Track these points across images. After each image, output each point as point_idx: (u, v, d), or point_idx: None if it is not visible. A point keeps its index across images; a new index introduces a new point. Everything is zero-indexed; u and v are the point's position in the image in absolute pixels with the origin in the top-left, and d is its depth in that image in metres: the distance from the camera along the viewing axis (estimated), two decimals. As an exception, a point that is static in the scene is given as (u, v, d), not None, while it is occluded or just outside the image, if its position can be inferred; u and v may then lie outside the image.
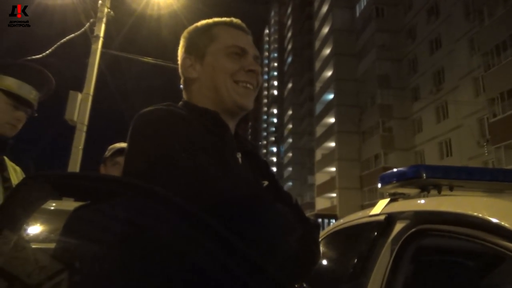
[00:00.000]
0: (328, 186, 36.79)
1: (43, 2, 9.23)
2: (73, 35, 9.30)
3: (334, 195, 35.57)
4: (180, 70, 0.99)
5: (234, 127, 0.95)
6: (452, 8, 23.74)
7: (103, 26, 9.84)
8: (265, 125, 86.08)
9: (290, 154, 57.00)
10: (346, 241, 1.81)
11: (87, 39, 9.71)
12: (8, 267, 1.06)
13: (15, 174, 1.59)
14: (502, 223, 0.77)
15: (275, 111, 75.27)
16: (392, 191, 1.47)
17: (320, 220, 35.11)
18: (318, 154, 40.65)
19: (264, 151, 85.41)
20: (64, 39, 9.14)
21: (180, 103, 0.96)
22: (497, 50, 19.09)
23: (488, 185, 1.29)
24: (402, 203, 1.36)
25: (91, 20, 9.64)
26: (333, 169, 35.58)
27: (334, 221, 32.60)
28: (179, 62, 1.00)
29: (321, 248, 2.01)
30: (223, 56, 0.93)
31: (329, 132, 37.22)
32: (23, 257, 1.19)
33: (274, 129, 76.47)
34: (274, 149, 75.03)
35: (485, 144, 20.09)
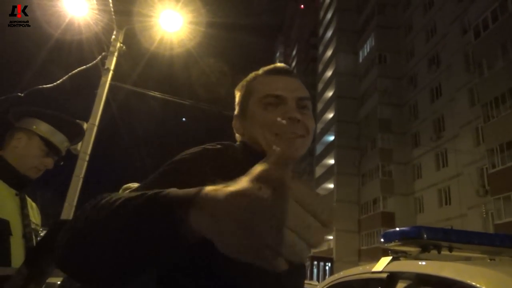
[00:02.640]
0: (325, 227, 36.25)
1: (61, 38, 9.63)
2: (84, 67, 9.56)
3: (331, 237, 35.03)
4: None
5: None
6: (452, 59, 24.44)
7: (114, 60, 10.12)
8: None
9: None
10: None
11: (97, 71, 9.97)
12: None
13: (32, 210, 1.65)
14: None
15: (275, 148, 75.50)
16: (394, 249, 1.53)
17: (316, 263, 34.44)
18: (317, 195, 40.37)
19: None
20: (76, 70, 9.39)
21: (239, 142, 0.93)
22: (496, 102, 19.47)
23: (485, 248, 1.35)
24: (404, 263, 1.41)
25: (103, 53, 9.93)
26: (331, 210, 35.24)
27: (329, 264, 31.91)
28: None
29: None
30: (258, 109, 0.87)
31: (329, 173, 37.22)
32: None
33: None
34: (273, 187, 74.60)
35: (484, 194, 20.08)
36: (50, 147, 1.55)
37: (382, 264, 1.47)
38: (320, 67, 44.88)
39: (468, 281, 0.95)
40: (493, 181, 18.97)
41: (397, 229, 1.52)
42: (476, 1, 21.58)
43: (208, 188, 0.49)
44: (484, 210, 20.13)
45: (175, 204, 0.51)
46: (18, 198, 1.50)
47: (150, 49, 10.69)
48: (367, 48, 35.87)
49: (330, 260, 32.19)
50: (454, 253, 1.41)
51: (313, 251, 37.49)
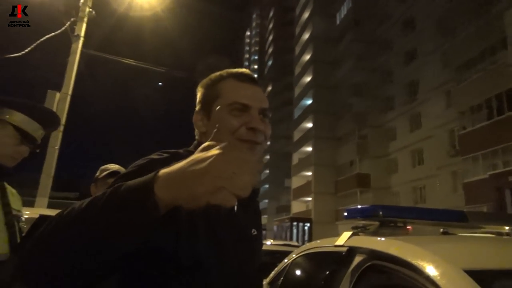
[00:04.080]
0: (304, 190, 37.26)
1: (22, 0, 9.12)
2: (53, 33, 9.18)
3: (309, 199, 36.07)
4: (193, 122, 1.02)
5: None
6: (426, 21, 24.58)
7: (84, 26, 9.73)
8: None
9: (267, 157, 57.32)
10: (313, 266, 2.01)
11: (67, 37, 9.59)
12: None
13: (12, 197, 1.71)
14: (421, 264, 1.00)
15: (253, 113, 75.39)
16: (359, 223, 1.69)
17: (295, 223, 35.52)
18: (295, 158, 41.12)
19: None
20: (44, 38, 9.01)
21: (194, 143, 1.01)
22: (467, 65, 19.91)
23: (435, 223, 1.52)
24: (362, 238, 1.57)
25: (72, 19, 9.52)
26: (309, 173, 36.11)
27: (308, 225, 33.04)
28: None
29: (291, 270, 2.22)
30: (225, 114, 0.93)
31: (306, 137, 37.74)
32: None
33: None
34: (252, 151, 75.02)
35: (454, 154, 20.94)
36: (24, 135, 1.58)
37: (344, 238, 1.63)
38: (297, 30, 44.33)
39: (407, 258, 1.10)
40: (463, 142, 19.74)
41: (358, 206, 1.66)
42: (451, -37, 21.52)
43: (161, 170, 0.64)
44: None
45: (141, 186, 0.63)
46: None
47: (120, 10, 10.31)
48: (343, 11, 35.53)
49: (309, 220, 33.31)
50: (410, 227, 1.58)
51: (293, 212, 38.57)
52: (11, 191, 1.70)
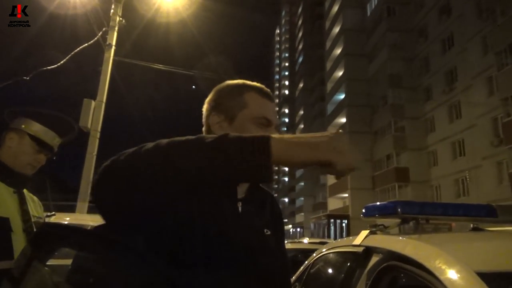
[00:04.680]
0: (340, 186, 36.70)
1: (55, 12, 9.51)
2: (86, 44, 9.49)
3: (346, 195, 35.49)
4: (204, 121, 1.08)
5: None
6: (464, 7, 23.49)
7: (115, 35, 9.99)
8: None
9: (302, 154, 56.83)
10: (331, 266, 1.94)
11: (97, 47, 9.89)
12: None
13: (33, 204, 1.76)
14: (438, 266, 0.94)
15: (286, 111, 75.28)
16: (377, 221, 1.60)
17: (332, 221, 35.08)
18: (330, 154, 40.52)
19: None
20: (78, 49, 9.34)
21: None
22: (510, 49, 18.85)
23: (463, 219, 1.41)
24: (379, 238, 1.48)
25: (104, 29, 9.81)
26: (345, 169, 35.47)
27: (346, 222, 32.53)
28: (205, 113, 1.08)
29: (312, 269, 2.16)
30: (251, 124, 1.01)
31: (341, 132, 37.10)
32: (44, 282, 1.37)
33: (285, 129, 76.42)
34: (286, 149, 74.77)
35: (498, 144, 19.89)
36: (41, 144, 1.63)
37: (361, 237, 1.56)
38: (327, 24, 43.67)
39: (421, 261, 1.02)
40: (507, 130, 18.71)
41: (378, 203, 1.58)
42: None
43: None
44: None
45: (258, 138, 0.74)
46: (16, 195, 1.60)
47: (147, 16, 10.51)
48: (374, 1, 34.61)
49: (347, 217, 32.80)
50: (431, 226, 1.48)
51: (330, 209, 38.14)
52: (31, 198, 1.76)
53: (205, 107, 1.09)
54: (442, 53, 26.27)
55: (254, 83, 1.09)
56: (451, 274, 0.89)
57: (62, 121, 1.73)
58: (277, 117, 1.09)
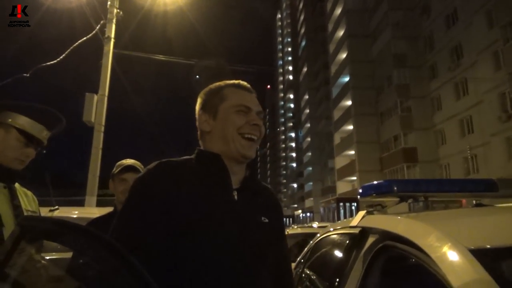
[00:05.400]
0: (348, 169, 36.64)
1: (51, 6, 9.44)
2: (85, 38, 9.44)
3: (354, 178, 35.43)
4: (197, 124, 1.21)
5: (240, 170, 1.15)
6: (467, -20, 22.96)
7: (113, 27, 9.90)
8: (282, 111, 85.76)
9: (308, 139, 56.78)
10: (331, 248, 1.91)
11: (95, 40, 9.80)
12: (23, 280, 1.22)
13: (26, 198, 1.74)
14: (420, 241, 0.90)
15: (291, 96, 74.86)
16: (374, 200, 1.56)
17: (341, 204, 35.10)
18: (337, 138, 40.43)
19: (283, 137, 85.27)
20: (77, 43, 9.29)
21: (196, 150, 1.19)
22: (516, 22, 18.44)
23: (460, 195, 1.36)
24: (375, 218, 1.45)
25: (102, 21, 9.72)
26: (352, 152, 35.37)
27: (355, 204, 32.53)
28: (197, 117, 1.21)
29: (313, 251, 2.14)
30: (232, 113, 1.13)
31: (347, 115, 36.89)
32: (38, 273, 1.34)
33: (291, 114, 76.13)
34: (293, 135, 74.82)
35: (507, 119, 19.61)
36: (28, 138, 1.59)
37: (358, 219, 1.52)
38: (329, 6, 43.05)
39: (413, 239, 0.98)
40: (515, 105, 18.42)
41: (374, 182, 1.54)
42: None
43: None
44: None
45: None
46: (6, 190, 1.58)
47: (145, 6, 10.39)
48: (375, -20, 33.97)
49: (356, 200, 32.79)
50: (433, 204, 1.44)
51: (339, 192, 38.16)
52: (24, 192, 1.74)
53: (196, 112, 1.22)
54: (446, 30, 25.79)
55: (233, 81, 1.22)
56: (443, 251, 0.86)
57: (49, 113, 1.69)
58: (258, 105, 1.19)
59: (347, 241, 1.51)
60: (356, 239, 1.41)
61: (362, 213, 1.54)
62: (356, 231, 1.45)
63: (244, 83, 1.22)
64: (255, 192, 1.16)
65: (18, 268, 1.00)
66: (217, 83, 1.22)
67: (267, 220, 1.11)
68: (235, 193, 1.09)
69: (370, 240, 1.32)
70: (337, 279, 1.39)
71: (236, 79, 1.25)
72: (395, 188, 1.37)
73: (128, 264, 0.77)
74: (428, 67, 28.08)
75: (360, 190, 1.61)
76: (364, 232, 1.39)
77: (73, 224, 0.91)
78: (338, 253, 1.58)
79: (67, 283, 1.00)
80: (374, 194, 1.49)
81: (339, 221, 2.02)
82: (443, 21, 26.07)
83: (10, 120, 1.58)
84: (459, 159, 24.56)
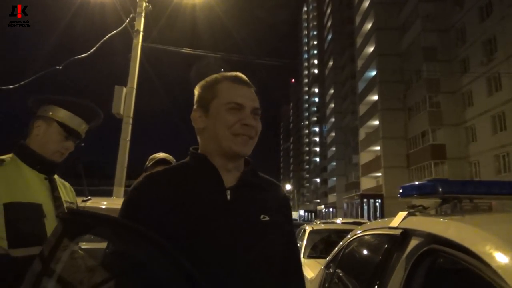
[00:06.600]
0: (373, 165, 36.06)
1: (84, 1, 9.65)
2: (115, 31, 9.61)
3: (379, 174, 34.86)
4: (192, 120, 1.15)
5: (237, 167, 1.10)
6: (504, -30, 22.01)
7: (142, 21, 10.03)
8: (306, 105, 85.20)
9: (333, 134, 56.24)
10: (367, 250, 1.86)
11: (124, 34, 9.95)
12: (65, 274, 1.25)
13: (64, 190, 1.78)
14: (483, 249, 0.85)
15: (316, 90, 74.21)
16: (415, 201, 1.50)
17: (365, 200, 34.64)
18: (362, 133, 39.83)
19: (307, 131, 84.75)
20: (107, 36, 9.48)
21: (190, 149, 1.16)
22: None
23: (508, 197, 1.29)
24: (418, 220, 1.39)
25: (131, 15, 9.87)
26: (378, 147, 34.77)
27: (380, 201, 32.03)
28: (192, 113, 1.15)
29: (347, 252, 2.09)
30: (223, 111, 1.06)
31: (373, 110, 36.23)
32: (77, 264, 1.38)
33: (315, 108, 75.54)
34: (317, 129, 74.28)
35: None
36: (68, 131, 1.64)
37: (398, 219, 1.46)
38: (356, -2, 42.24)
39: (467, 245, 0.93)
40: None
41: (416, 183, 1.48)
42: None
43: None
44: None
45: None
46: (47, 182, 1.62)
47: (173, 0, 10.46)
48: (406, -29, 33.03)
49: (380, 196, 32.29)
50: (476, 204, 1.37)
51: (363, 188, 37.69)
52: (63, 184, 1.78)
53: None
54: (479, 22, 24.83)
55: (230, 73, 1.14)
56: (504, 260, 0.80)
57: (87, 107, 1.73)
58: (254, 100, 1.11)
59: (387, 243, 1.46)
60: (398, 241, 1.36)
61: (403, 213, 1.48)
62: (397, 232, 1.40)
63: (241, 75, 1.13)
64: (254, 188, 1.10)
65: (62, 263, 1.03)
66: (213, 76, 1.15)
67: (267, 218, 1.05)
68: (228, 192, 1.04)
69: (413, 242, 1.26)
70: (377, 282, 1.35)
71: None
72: (440, 189, 1.31)
73: (169, 254, 0.79)
74: (459, 61, 27.18)
75: (401, 190, 1.55)
76: (406, 234, 1.34)
77: (113, 218, 0.93)
78: (377, 255, 1.53)
79: (102, 273, 1.03)
80: (415, 195, 1.44)
81: (374, 222, 1.95)
82: (476, 13, 25.12)
83: (51, 113, 1.63)
84: (490, 157, 23.74)
